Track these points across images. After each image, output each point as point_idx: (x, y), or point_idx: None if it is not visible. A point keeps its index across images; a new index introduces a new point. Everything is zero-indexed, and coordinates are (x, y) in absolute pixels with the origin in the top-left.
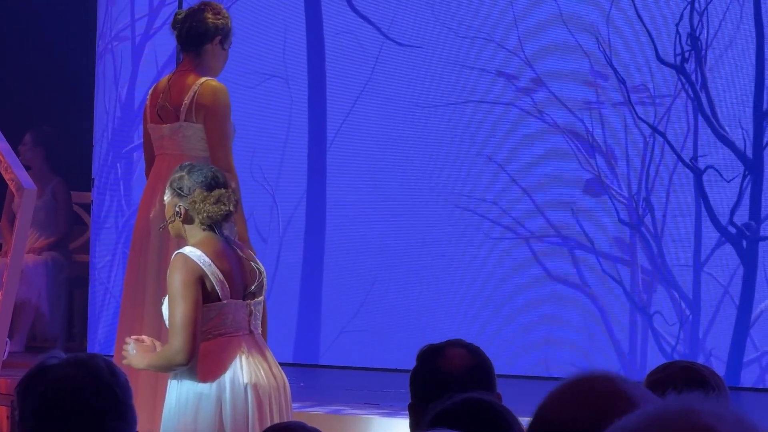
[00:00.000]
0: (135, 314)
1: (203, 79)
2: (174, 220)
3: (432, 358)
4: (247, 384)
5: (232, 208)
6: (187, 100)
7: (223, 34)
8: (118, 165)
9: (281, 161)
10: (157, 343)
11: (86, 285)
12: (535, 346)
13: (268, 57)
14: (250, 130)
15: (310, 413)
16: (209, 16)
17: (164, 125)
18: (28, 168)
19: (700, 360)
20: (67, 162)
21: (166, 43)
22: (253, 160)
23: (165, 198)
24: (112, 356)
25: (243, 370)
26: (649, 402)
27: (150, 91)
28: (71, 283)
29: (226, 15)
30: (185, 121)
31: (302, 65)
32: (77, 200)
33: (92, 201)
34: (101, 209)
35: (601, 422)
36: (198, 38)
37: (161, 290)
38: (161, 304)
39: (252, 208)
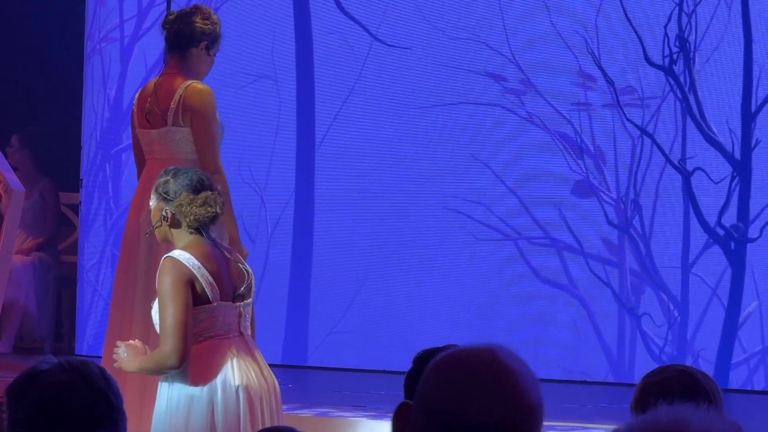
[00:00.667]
0: (123, 318)
1: (188, 82)
2: (161, 225)
3: (428, 359)
4: (238, 386)
5: (219, 210)
6: (173, 104)
7: (209, 40)
8: (107, 166)
9: (270, 162)
10: (148, 347)
11: (74, 286)
12: (524, 348)
13: (257, 57)
14: (238, 131)
15: (298, 415)
16: (198, 20)
17: (153, 130)
18: (15, 169)
19: (688, 361)
20: (55, 163)
21: (154, 44)
22: (242, 161)
23: (151, 203)
24: (101, 358)
25: (234, 372)
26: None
27: (137, 96)
28: (59, 283)
29: (216, 21)
30: (173, 125)
31: (291, 66)
32: (65, 201)
33: (80, 202)
34: (89, 210)
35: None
36: (184, 41)
37: (150, 294)
38: (150, 307)
39: (240, 208)
